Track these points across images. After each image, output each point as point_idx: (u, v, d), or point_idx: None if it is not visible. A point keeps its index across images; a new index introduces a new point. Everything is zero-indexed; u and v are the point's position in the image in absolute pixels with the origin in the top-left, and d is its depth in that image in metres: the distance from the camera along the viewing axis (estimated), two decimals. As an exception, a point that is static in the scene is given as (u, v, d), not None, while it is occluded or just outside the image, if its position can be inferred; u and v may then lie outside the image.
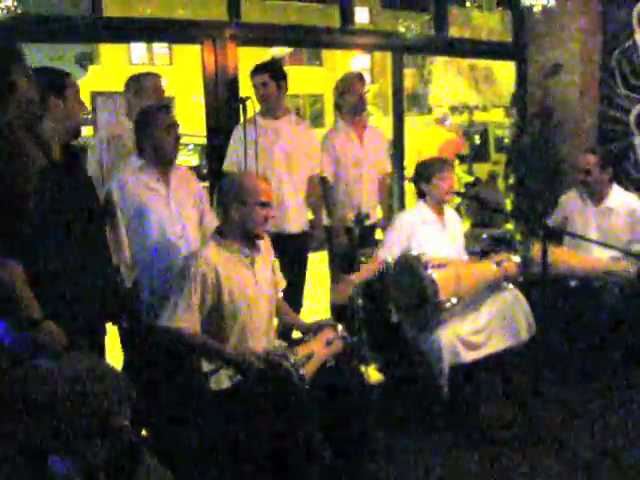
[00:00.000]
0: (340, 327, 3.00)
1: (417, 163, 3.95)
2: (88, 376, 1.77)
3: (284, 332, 3.42)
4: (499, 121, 13.19)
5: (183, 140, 3.80)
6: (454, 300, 3.46)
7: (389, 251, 3.74)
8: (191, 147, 11.47)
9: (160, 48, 23.99)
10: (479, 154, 12.28)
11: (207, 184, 4.51)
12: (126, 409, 1.80)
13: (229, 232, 2.89)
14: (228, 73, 4.28)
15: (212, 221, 3.32)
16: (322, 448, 2.79)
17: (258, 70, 4.00)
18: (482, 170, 10.71)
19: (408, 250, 3.67)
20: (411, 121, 13.53)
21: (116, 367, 2.23)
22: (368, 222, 4.08)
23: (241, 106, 3.83)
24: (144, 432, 3.26)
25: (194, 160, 11.21)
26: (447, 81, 16.48)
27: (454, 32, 6.16)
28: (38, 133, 2.61)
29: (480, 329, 3.58)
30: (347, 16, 4.93)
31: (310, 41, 4.91)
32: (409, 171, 6.11)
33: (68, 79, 2.72)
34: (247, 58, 4.14)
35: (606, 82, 5.43)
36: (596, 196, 4.27)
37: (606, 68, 5.41)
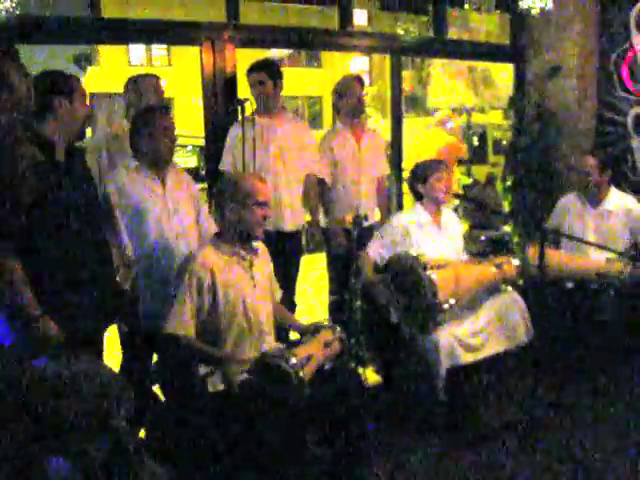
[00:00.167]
0: (338, 328, 3.00)
1: (413, 165, 3.96)
2: (86, 377, 1.77)
3: (282, 334, 3.42)
4: (497, 123, 13.19)
5: (182, 141, 3.80)
6: (452, 301, 3.46)
7: (378, 250, 3.75)
8: (190, 148, 11.47)
9: (159, 49, 24.02)
10: (477, 156, 12.29)
11: (205, 185, 4.51)
12: (123, 410, 1.80)
13: (227, 234, 2.90)
14: (227, 75, 4.28)
15: (207, 220, 3.33)
16: (320, 449, 2.80)
17: (255, 68, 4.00)
18: (480, 172, 10.72)
19: (406, 251, 3.67)
20: (409, 123, 13.55)
21: (113, 368, 2.23)
22: (366, 224, 4.08)
23: (240, 108, 3.84)
24: (142, 432, 3.27)
25: (192, 161, 11.21)
26: (445, 83, 16.50)
27: (452, 34, 6.16)
28: (39, 133, 2.64)
29: (478, 331, 3.59)
30: (346, 18, 4.93)
31: (309, 43, 4.91)
32: (407, 173, 6.12)
33: (74, 81, 2.76)
34: (246, 60, 4.14)
35: (604, 85, 5.44)
36: (594, 199, 4.28)
37: (604, 71, 5.42)
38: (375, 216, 4.60)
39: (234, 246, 2.90)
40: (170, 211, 3.24)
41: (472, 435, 3.48)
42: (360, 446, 2.89)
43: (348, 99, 4.39)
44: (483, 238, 5.01)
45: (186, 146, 11.11)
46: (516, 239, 5.40)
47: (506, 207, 5.89)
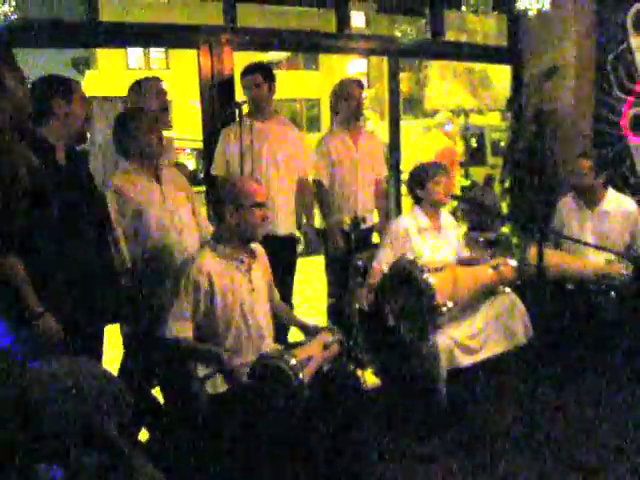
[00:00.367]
0: (337, 330, 3.00)
1: (412, 168, 3.95)
2: (81, 382, 1.76)
3: (280, 337, 3.43)
4: (495, 124, 13.21)
5: (179, 144, 3.81)
6: (450, 304, 3.46)
7: (383, 260, 3.75)
8: (187, 151, 11.47)
9: (157, 53, 24.05)
10: (476, 158, 12.30)
11: (203, 188, 4.52)
12: (120, 416, 1.79)
13: (226, 237, 2.90)
14: (224, 78, 4.28)
15: (203, 218, 3.34)
16: (319, 452, 2.79)
17: (251, 70, 4.00)
18: (479, 174, 10.73)
19: (404, 254, 3.67)
20: (407, 125, 13.56)
21: (113, 369, 2.22)
22: (364, 226, 4.09)
23: (237, 110, 3.86)
24: (145, 432, 3.27)
25: (190, 164, 11.21)
26: (443, 85, 16.52)
27: (450, 36, 6.16)
28: (40, 135, 2.66)
29: (477, 333, 3.58)
30: (343, 21, 4.94)
31: (306, 46, 4.92)
32: (405, 175, 6.13)
33: (74, 85, 2.79)
34: (243, 63, 4.14)
35: (601, 85, 5.45)
36: (591, 200, 4.28)
37: (601, 71, 5.43)
38: (373, 218, 4.60)
39: (233, 249, 2.90)
40: (170, 209, 3.25)
41: (472, 437, 3.48)
42: (359, 448, 2.89)
43: (347, 102, 4.40)
44: (481, 240, 5.01)
45: (184, 149, 11.13)
46: (514, 240, 5.40)
47: (504, 208, 5.90)
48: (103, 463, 1.72)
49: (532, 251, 3.96)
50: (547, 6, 4.93)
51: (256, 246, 3.06)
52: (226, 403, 2.75)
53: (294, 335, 3.25)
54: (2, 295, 2.47)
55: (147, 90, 3.79)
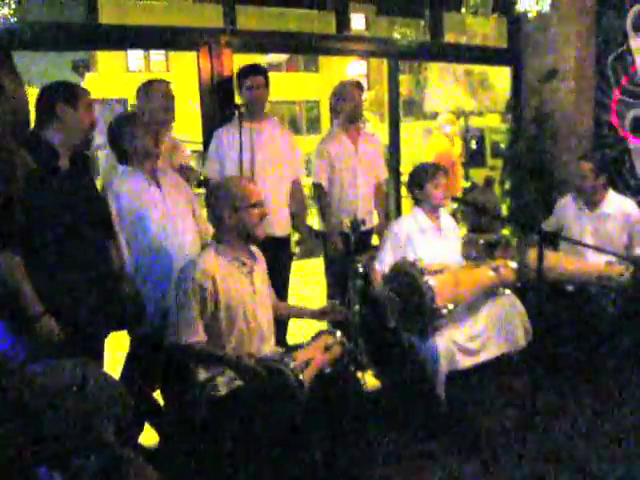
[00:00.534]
0: (338, 333, 3.01)
1: (411, 170, 3.96)
2: (82, 385, 1.76)
3: (281, 338, 3.43)
4: (495, 126, 13.21)
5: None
6: (451, 306, 3.46)
7: (385, 261, 3.75)
8: (188, 153, 11.47)
9: (157, 55, 24.07)
10: (475, 159, 12.30)
11: (203, 190, 4.51)
12: (120, 418, 1.79)
13: (227, 239, 2.90)
14: (224, 80, 4.28)
15: (204, 221, 3.34)
16: (320, 453, 2.79)
17: (255, 71, 4.00)
18: (479, 175, 10.73)
19: (404, 256, 3.67)
20: (408, 127, 13.57)
21: (113, 373, 2.22)
22: (364, 228, 4.08)
23: (237, 113, 3.85)
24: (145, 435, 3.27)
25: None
26: (443, 87, 16.53)
27: (450, 38, 6.16)
28: (43, 139, 2.66)
29: (477, 335, 3.59)
30: (343, 23, 4.95)
31: (306, 48, 4.92)
32: (405, 176, 6.12)
33: (80, 91, 2.81)
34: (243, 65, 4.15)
35: (601, 87, 5.45)
36: (591, 202, 4.28)
37: (601, 73, 5.43)
38: (373, 220, 4.60)
39: (234, 251, 2.90)
40: (170, 212, 3.25)
41: (472, 439, 3.47)
42: (359, 450, 2.89)
43: (347, 104, 4.40)
44: (481, 242, 5.01)
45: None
46: (514, 242, 5.40)
47: (504, 210, 5.90)
48: (103, 466, 1.72)
49: (532, 253, 3.97)
50: (547, 8, 4.93)
51: (256, 249, 3.07)
52: (227, 406, 2.75)
53: (293, 335, 3.25)
54: (2, 295, 2.48)
55: (154, 92, 3.81)
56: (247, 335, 2.87)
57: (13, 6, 3.52)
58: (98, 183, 3.27)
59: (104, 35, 4.05)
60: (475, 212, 5.86)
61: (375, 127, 15.95)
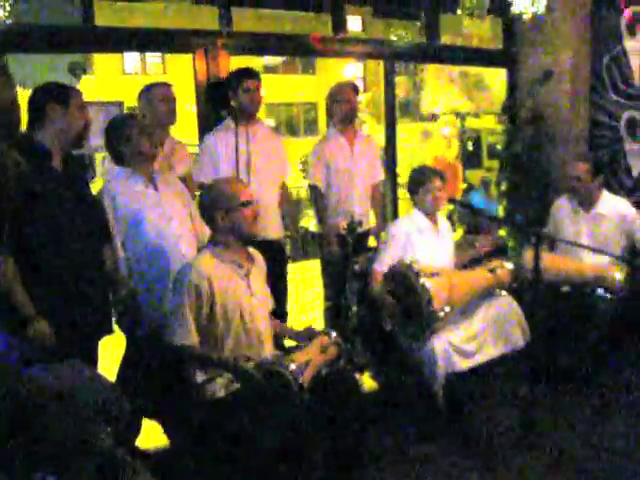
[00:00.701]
0: (334, 334, 3.01)
1: (410, 172, 3.96)
2: (77, 388, 1.76)
3: (277, 341, 3.42)
4: (491, 127, 13.21)
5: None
6: (448, 309, 3.46)
7: (384, 262, 3.74)
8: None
9: (153, 57, 24.03)
10: (472, 161, 12.31)
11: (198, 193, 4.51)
12: (116, 421, 1.78)
13: (223, 241, 2.89)
14: (220, 82, 4.27)
15: (201, 223, 3.34)
16: (318, 455, 2.79)
17: (252, 75, 4.00)
18: (475, 177, 10.74)
19: (401, 259, 3.67)
20: (404, 129, 13.56)
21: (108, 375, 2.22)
22: (361, 229, 4.09)
23: (233, 115, 3.85)
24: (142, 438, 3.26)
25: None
26: (439, 88, 16.53)
27: (445, 40, 6.16)
28: (36, 140, 2.66)
29: (474, 336, 3.59)
30: (339, 25, 4.95)
31: (302, 50, 4.92)
32: (402, 178, 6.13)
33: (72, 92, 2.81)
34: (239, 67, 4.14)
35: (596, 88, 5.47)
36: (587, 203, 4.28)
37: (596, 75, 5.45)
38: (370, 222, 4.60)
39: (231, 253, 2.90)
40: (167, 215, 3.25)
41: (470, 440, 3.48)
42: (357, 451, 2.89)
43: (342, 105, 4.41)
44: (477, 243, 5.01)
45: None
46: (511, 244, 5.40)
47: (501, 212, 5.91)
48: (99, 470, 1.72)
49: (528, 254, 3.97)
50: (542, 10, 4.93)
51: (254, 251, 3.06)
52: (225, 408, 2.74)
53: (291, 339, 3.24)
54: None
55: (155, 95, 3.82)
56: (245, 337, 2.87)
57: (8, 8, 3.51)
58: (97, 185, 3.27)
59: (100, 37, 4.05)
60: (471, 213, 5.87)
61: (372, 129, 15.94)
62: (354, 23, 23.75)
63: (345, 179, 4.41)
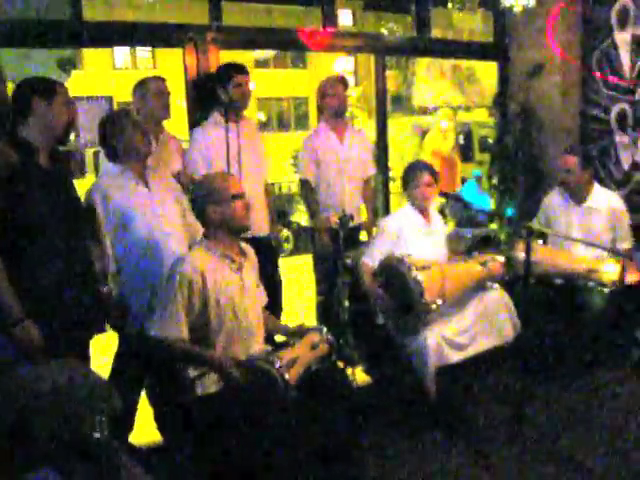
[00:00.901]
0: (325, 330, 3.00)
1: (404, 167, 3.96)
2: (70, 384, 1.75)
3: (269, 337, 3.42)
4: (482, 121, 13.23)
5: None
6: (440, 301, 3.47)
7: (374, 256, 3.74)
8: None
9: (143, 52, 23.93)
10: (463, 154, 12.32)
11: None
12: (108, 417, 1.78)
13: (215, 236, 2.89)
14: (210, 76, 4.25)
15: (194, 220, 3.33)
16: (308, 452, 2.79)
17: (243, 69, 3.99)
18: (467, 170, 10.75)
19: (393, 252, 3.67)
20: (396, 122, 13.57)
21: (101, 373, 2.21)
22: (352, 224, 4.08)
23: (224, 110, 3.84)
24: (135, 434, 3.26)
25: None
26: (430, 82, 16.54)
27: (436, 33, 6.16)
28: (21, 136, 2.63)
29: (465, 329, 3.60)
30: (330, 19, 4.93)
31: (293, 44, 4.91)
32: (393, 172, 6.13)
33: (57, 86, 2.75)
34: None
35: (587, 82, 5.48)
36: (578, 196, 4.29)
37: (586, 68, 5.46)
38: (361, 216, 4.60)
39: (224, 248, 2.89)
40: (158, 213, 3.24)
41: (462, 433, 3.49)
42: (349, 446, 2.89)
43: (331, 99, 4.40)
44: (469, 236, 5.03)
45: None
46: (502, 237, 5.42)
47: (492, 205, 5.92)
48: (95, 465, 1.72)
49: (520, 247, 3.98)
50: (532, 3, 4.94)
51: (246, 246, 3.06)
52: (215, 404, 2.74)
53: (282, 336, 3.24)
54: None
55: (149, 90, 3.81)
56: (236, 332, 2.86)
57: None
58: (88, 181, 3.25)
59: (89, 32, 4.02)
60: (462, 207, 5.87)
61: (363, 123, 15.95)
62: (345, 17, 23.73)
63: (336, 173, 4.40)
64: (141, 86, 3.88)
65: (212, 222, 2.86)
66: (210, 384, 2.80)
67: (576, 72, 5.51)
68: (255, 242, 3.41)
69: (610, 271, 3.96)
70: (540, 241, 4.31)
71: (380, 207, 5.22)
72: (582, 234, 4.18)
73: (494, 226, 5.69)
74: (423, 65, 16.52)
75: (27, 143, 2.64)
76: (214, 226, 2.87)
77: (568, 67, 5.45)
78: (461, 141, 12.86)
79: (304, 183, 4.45)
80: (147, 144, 3.27)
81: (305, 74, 26.35)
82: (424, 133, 12.89)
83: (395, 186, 5.47)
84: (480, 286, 3.75)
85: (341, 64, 23.39)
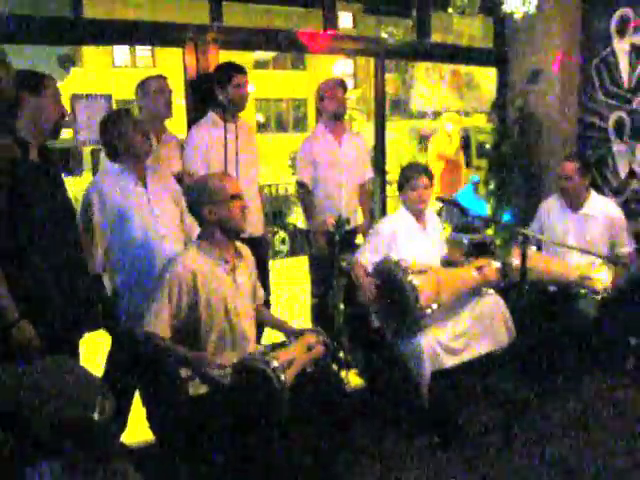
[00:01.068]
0: (321, 332, 3.00)
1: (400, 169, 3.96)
2: (64, 380, 1.75)
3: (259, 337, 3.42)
4: (481, 126, 13.25)
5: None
6: (435, 306, 3.47)
7: (368, 257, 3.74)
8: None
9: (143, 51, 23.93)
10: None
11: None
12: (100, 414, 1.78)
13: (210, 237, 2.88)
14: (210, 76, 4.25)
15: (192, 221, 3.33)
16: (302, 452, 2.79)
17: (243, 70, 3.99)
18: (464, 175, 10.74)
19: (388, 256, 3.67)
20: (394, 126, 13.59)
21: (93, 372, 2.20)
22: (348, 227, 4.08)
23: (223, 109, 3.84)
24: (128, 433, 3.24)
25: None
26: (430, 86, 16.57)
27: (436, 38, 6.16)
28: (13, 131, 2.60)
29: (460, 334, 3.60)
30: (330, 21, 4.93)
31: (293, 45, 4.91)
32: (391, 176, 6.14)
33: (47, 80, 2.71)
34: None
35: (585, 89, 5.50)
36: (574, 203, 4.30)
37: (585, 75, 5.48)
38: (358, 219, 4.60)
39: (218, 249, 2.88)
40: (154, 213, 3.24)
41: (455, 437, 3.49)
42: (343, 448, 2.89)
43: (330, 102, 4.40)
44: (465, 241, 5.03)
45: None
46: (498, 242, 5.43)
47: (489, 210, 5.93)
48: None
49: (515, 253, 3.98)
50: (533, 10, 4.95)
51: (242, 246, 3.05)
52: (207, 405, 2.74)
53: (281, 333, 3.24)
54: None
55: (151, 88, 3.82)
56: (228, 333, 2.86)
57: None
58: (85, 179, 3.24)
59: (89, 30, 4.02)
60: (459, 212, 5.88)
61: (361, 125, 15.97)
62: (345, 19, 23.75)
63: (333, 176, 4.40)
64: (143, 85, 3.89)
65: (208, 222, 2.86)
66: (202, 384, 2.79)
67: (575, 79, 5.52)
68: (248, 242, 3.41)
69: (603, 278, 3.96)
70: (534, 247, 4.33)
71: (377, 210, 5.22)
72: (578, 241, 4.19)
73: (490, 232, 5.69)
74: (422, 69, 16.55)
75: (19, 139, 2.60)
76: (209, 226, 2.87)
77: (567, 74, 5.47)
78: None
79: (301, 185, 4.45)
80: (147, 144, 3.26)
81: (304, 76, 26.38)
82: (422, 137, 12.92)
83: (392, 189, 5.47)
84: (476, 291, 3.75)
85: (340, 66, 23.43)
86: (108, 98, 4.10)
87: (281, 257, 8.94)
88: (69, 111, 3.20)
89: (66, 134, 3.54)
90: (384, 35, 5.27)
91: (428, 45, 5.48)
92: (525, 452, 3.32)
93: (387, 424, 3.63)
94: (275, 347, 2.92)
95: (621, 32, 5.19)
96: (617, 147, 5.31)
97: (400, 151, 12.59)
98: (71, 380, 1.80)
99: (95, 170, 4.49)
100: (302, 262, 5.07)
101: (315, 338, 2.93)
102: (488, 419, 3.64)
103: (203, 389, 2.77)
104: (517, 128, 5.63)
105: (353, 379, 4.01)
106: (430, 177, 3.82)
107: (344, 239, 3.95)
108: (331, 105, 4.40)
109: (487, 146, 6.75)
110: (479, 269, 3.73)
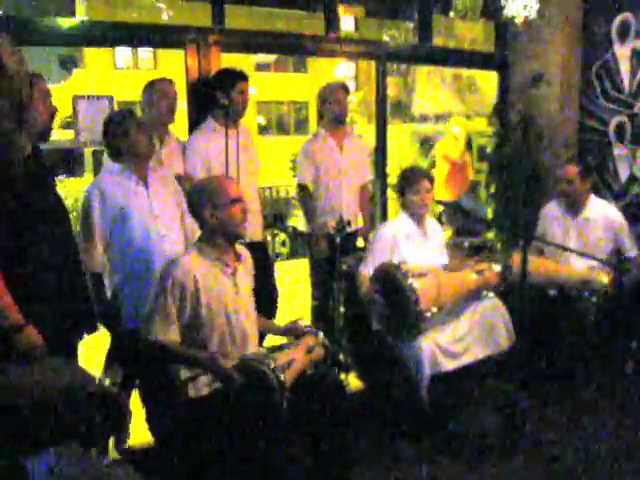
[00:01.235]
0: (321, 334, 3.00)
1: (400, 172, 3.96)
2: (62, 380, 1.76)
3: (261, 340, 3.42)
4: (481, 130, 13.25)
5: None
6: (435, 309, 3.47)
7: (371, 266, 3.73)
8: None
9: (145, 52, 23.96)
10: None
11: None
12: (99, 413, 1.79)
13: (211, 240, 2.88)
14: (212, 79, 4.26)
15: (193, 222, 3.33)
16: (302, 455, 2.79)
17: (244, 76, 3.99)
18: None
19: (389, 259, 3.67)
20: (395, 129, 13.59)
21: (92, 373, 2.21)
22: (349, 229, 4.08)
23: (224, 112, 3.84)
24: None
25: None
26: (431, 89, 16.59)
27: (438, 41, 6.17)
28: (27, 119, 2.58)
29: (460, 338, 3.60)
30: (332, 24, 4.94)
31: (295, 48, 4.91)
32: (391, 179, 6.14)
33: (35, 79, 2.63)
34: (231, 64, 4.13)
35: (586, 93, 5.50)
36: (575, 207, 4.30)
37: (586, 80, 5.48)
38: (358, 222, 4.60)
39: (219, 252, 2.88)
40: (155, 214, 3.24)
41: (455, 441, 3.49)
42: (342, 451, 2.89)
43: (332, 105, 4.40)
44: (466, 244, 5.03)
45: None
46: (499, 246, 5.43)
47: (489, 214, 5.93)
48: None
49: (516, 257, 3.98)
50: (534, 14, 4.96)
51: (242, 249, 3.05)
52: (208, 406, 2.74)
53: (276, 337, 3.24)
54: None
55: (157, 91, 3.82)
56: (229, 336, 2.86)
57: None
58: (86, 180, 3.24)
59: (91, 32, 4.03)
60: (460, 215, 5.88)
61: (363, 129, 15.97)
62: (347, 22, 23.77)
63: (334, 179, 4.41)
64: (149, 87, 3.88)
65: (209, 225, 2.85)
66: (202, 386, 2.79)
67: (576, 84, 5.53)
68: (249, 247, 3.42)
69: (603, 282, 3.96)
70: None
71: (378, 213, 5.23)
72: (578, 245, 4.19)
73: (491, 235, 5.69)
74: (424, 73, 16.57)
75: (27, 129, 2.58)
76: (211, 230, 2.87)
77: (567, 78, 5.47)
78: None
79: (302, 188, 4.45)
80: (150, 145, 3.27)
81: (306, 78, 26.40)
82: (423, 140, 12.91)
83: (393, 192, 5.48)
84: (476, 295, 3.75)
85: (342, 69, 23.45)
86: (110, 99, 4.10)
87: (282, 259, 8.93)
88: (68, 113, 3.18)
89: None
90: (386, 38, 5.28)
91: (429, 48, 5.49)
92: (525, 456, 3.32)
93: (386, 426, 3.63)
94: (275, 349, 2.92)
95: (622, 37, 5.20)
96: (617, 151, 5.32)
97: (401, 154, 12.57)
98: (70, 380, 1.81)
99: (96, 171, 4.48)
100: (303, 264, 5.06)
101: (315, 340, 2.94)
102: (487, 423, 3.64)
103: (204, 391, 2.77)
104: (518, 132, 5.63)
105: (353, 381, 4.01)
106: (431, 181, 3.82)
107: (345, 242, 3.95)
108: (333, 108, 4.41)
109: (488, 149, 6.75)
110: (479, 272, 3.73)
